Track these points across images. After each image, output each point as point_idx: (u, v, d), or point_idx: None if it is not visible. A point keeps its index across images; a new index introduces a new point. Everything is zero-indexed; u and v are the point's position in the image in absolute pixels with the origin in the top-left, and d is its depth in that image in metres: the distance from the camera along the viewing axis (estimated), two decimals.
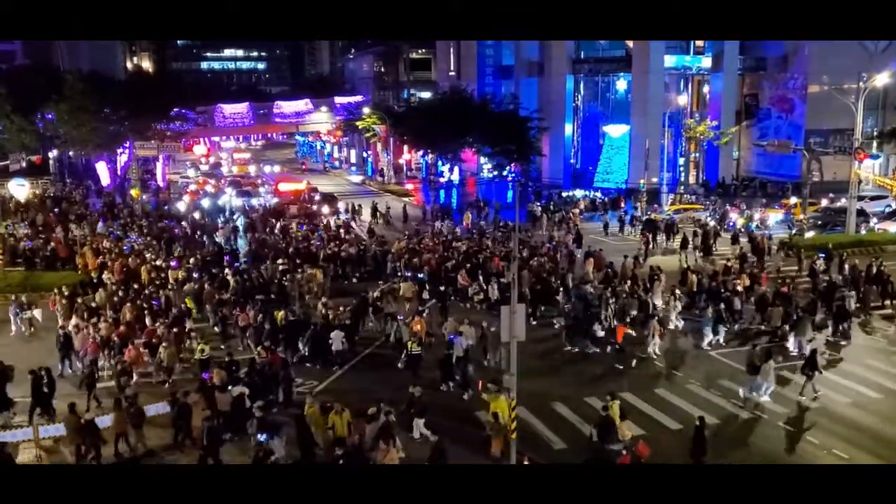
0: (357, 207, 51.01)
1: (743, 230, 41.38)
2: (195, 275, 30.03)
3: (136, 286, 28.46)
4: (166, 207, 51.93)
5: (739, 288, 27.91)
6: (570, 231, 41.63)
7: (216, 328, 25.85)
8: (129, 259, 32.17)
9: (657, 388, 21.33)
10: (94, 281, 30.21)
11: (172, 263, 31.44)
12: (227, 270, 30.94)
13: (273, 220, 45.37)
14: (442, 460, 15.64)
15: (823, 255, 32.74)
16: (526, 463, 15.99)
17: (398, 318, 23.78)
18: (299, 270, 31.03)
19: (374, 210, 49.31)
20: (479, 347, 22.89)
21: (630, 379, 22.19)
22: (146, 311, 25.05)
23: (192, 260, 32.82)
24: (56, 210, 48.02)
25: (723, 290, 27.54)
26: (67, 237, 37.52)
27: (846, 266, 30.94)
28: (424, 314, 24.82)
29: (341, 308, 25.57)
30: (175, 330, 23.22)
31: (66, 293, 27.18)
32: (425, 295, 29.50)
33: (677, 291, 27.34)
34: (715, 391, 21.09)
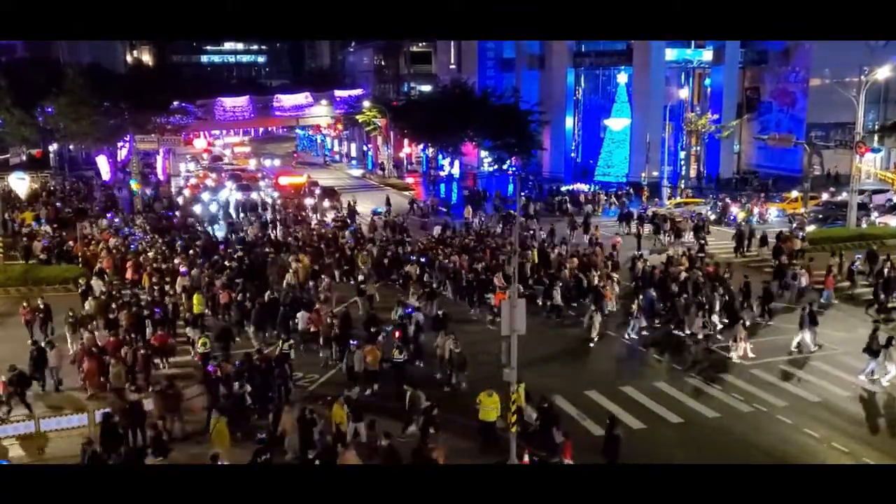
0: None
1: (744, 223, 41.40)
2: (199, 260, 31.08)
3: (134, 291, 27.49)
4: (148, 193, 52.28)
5: (684, 275, 28.23)
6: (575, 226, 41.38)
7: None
8: (141, 258, 31.46)
9: (656, 382, 21.38)
10: (83, 288, 27.64)
11: (182, 270, 29.30)
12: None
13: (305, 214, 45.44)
14: (393, 462, 15.45)
15: (861, 256, 31.19)
16: (526, 457, 16.04)
17: (351, 344, 21.38)
18: (321, 277, 29.26)
19: (412, 203, 49.13)
20: (445, 368, 21.31)
21: (629, 371, 22.27)
22: (147, 320, 23.88)
23: (189, 252, 33.29)
24: (58, 204, 48.00)
25: (661, 276, 28.41)
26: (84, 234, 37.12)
27: (887, 267, 28.82)
28: (380, 338, 22.35)
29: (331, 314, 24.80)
30: (141, 350, 21.19)
31: (41, 306, 24.81)
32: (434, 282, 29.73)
33: (614, 275, 28.31)
34: (714, 384, 21.14)
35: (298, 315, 24.44)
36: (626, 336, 24.65)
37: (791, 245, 34.09)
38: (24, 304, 25.42)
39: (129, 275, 30.09)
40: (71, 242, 35.12)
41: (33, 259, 34.24)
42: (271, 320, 24.86)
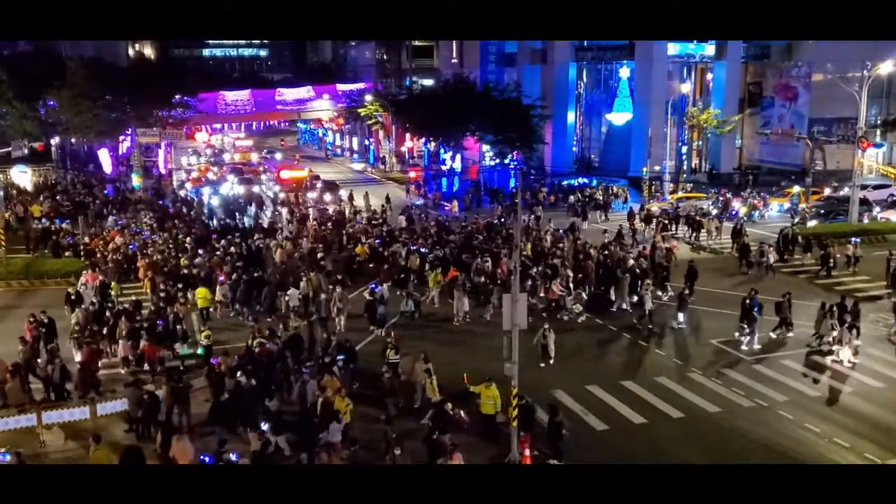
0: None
1: (746, 219, 41.39)
2: (199, 251, 31.60)
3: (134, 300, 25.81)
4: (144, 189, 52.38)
5: (631, 262, 29.44)
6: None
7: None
8: (146, 260, 30.24)
9: (657, 377, 21.41)
10: (73, 297, 25.16)
11: (220, 279, 27.35)
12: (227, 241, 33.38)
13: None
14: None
15: None
16: (527, 451, 16.10)
17: (303, 371, 19.63)
18: (331, 289, 26.31)
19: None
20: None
21: (631, 367, 22.30)
22: (147, 334, 21.69)
23: (186, 239, 34.02)
24: (58, 198, 47.98)
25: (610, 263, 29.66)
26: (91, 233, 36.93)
27: None
28: (337, 366, 19.87)
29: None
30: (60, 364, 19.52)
31: (44, 321, 22.34)
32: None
33: (567, 262, 29.46)
34: (715, 379, 21.17)
35: (289, 293, 25.49)
36: (744, 345, 23.51)
37: (835, 251, 31.46)
38: (31, 318, 22.54)
39: (140, 274, 29.56)
40: (87, 239, 35.01)
41: (67, 254, 34.20)
42: (257, 298, 25.94)
